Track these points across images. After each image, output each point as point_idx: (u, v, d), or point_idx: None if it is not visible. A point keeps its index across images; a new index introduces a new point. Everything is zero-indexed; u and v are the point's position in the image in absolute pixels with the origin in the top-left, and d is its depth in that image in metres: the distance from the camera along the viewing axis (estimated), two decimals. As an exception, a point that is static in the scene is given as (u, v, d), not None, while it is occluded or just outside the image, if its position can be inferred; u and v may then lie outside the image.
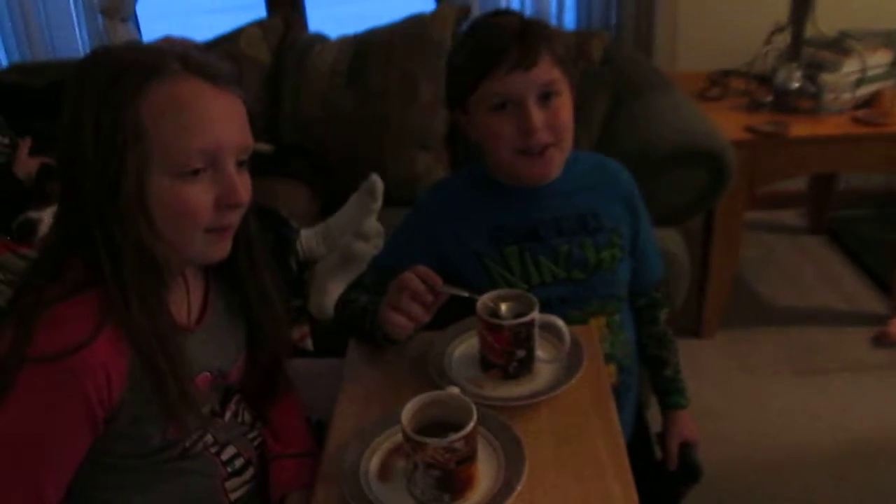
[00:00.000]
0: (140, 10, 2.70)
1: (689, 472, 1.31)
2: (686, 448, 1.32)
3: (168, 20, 2.91)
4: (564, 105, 1.12)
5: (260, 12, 2.59)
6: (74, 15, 2.64)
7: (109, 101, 0.79)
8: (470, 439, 0.83)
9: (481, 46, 1.10)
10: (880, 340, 2.27)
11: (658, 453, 1.35)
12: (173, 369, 0.83)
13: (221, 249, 0.90)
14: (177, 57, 0.83)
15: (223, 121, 0.85)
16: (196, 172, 0.83)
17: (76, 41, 2.67)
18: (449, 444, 0.81)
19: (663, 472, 1.33)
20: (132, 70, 0.81)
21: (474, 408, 0.84)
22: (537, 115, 1.09)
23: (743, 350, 2.29)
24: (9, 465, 0.80)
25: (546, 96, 1.10)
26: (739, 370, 2.21)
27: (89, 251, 0.81)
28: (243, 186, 0.87)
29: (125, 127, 0.79)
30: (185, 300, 0.94)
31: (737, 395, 2.10)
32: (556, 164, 1.14)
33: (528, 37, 1.08)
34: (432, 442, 0.81)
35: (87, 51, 2.64)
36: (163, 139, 0.81)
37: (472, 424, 0.82)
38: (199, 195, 0.84)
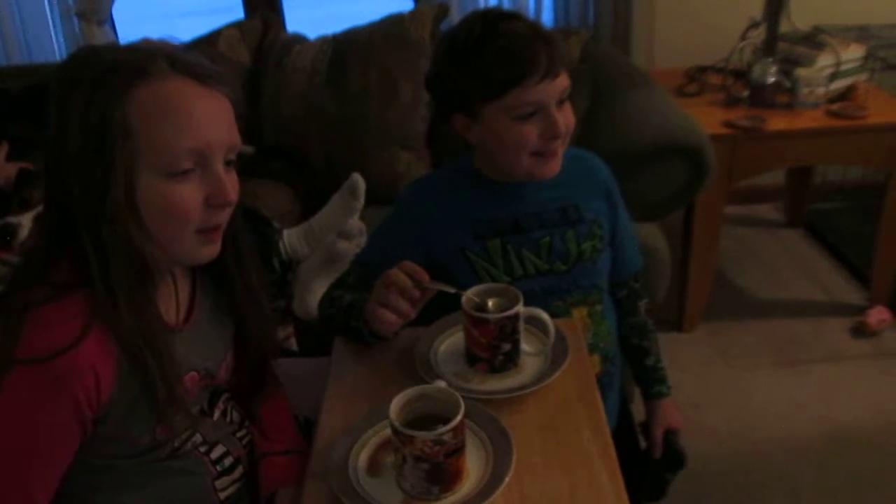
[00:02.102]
0: (116, 13, 2.67)
1: (673, 459, 1.33)
2: (670, 435, 1.34)
3: (145, 23, 2.89)
4: (570, 106, 1.14)
5: (237, 15, 2.58)
6: (50, 18, 2.61)
7: (97, 102, 0.79)
8: (458, 432, 0.83)
9: (509, 55, 1.07)
10: (859, 331, 2.30)
11: (643, 442, 1.37)
12: (162, 369, 0.83)
13: (211, 250, 0.89)
14: (164, 56, 0.83)
15: (211, 120, 0.84)
16: (185, 172, 0.83)
17: (52, 45, 2.64)
18: (437, 437, 0.82)
19: (648, 461, 1.34)
20: (120, 70, 0.80)
21: (462, 400, 0.85)
22: (561, 121, 1.10)
23: (724, 342, 2.31)
24: None
25: (561, 101, 1.12)
26: (721, 362, 2.24)
27: (76, 252, 0.81)
28: (232, 185, 0.87)
29: (113, 127, 0.79)
30: (173, 299, 0.94)
31: (719, 387, 2.13)
32: (561, 160, 1.16)
33: (551, 45, 1.08)
34: (420, 435, 0.82)
35: (64, 55, 2.62)
36: (152, 139, 0.80)
37: (459, 417, 0.83)
38: (189, 195, 0.83)
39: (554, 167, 1.15)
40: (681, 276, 2.26)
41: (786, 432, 1.96)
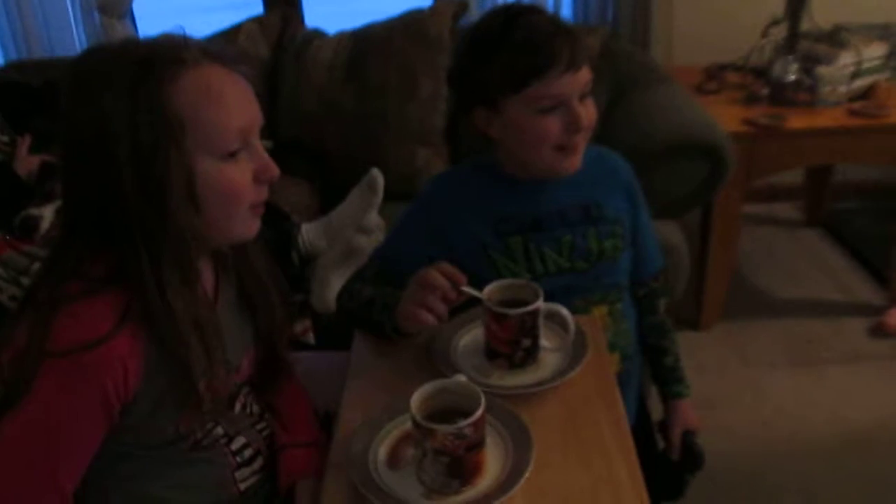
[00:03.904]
0: (136, 8, 2.69)
1: (692, 460, 1.33)
2: (688, 436, 1.33)
3: (164, 18, 2.91)
4: (592, 101, 1.14)
5: (256, 10, 2.59)
6: (71, 13, 2.63)
7: (142, 99, 0.79)
8: (478, 426, 0.84)
9: (531, 48, 1.07)
10: (877, 331, 2.29)
11: (660, 442, 1.37)
12: (209, 354, 0.85)
13: (256, 225, 0.92)
14: (194, 46, 0.84)
15: (246, 101, 0.87)
16: (234, 154, 0.85)
17: (73, 39, 2.66)
18: (458, 431, 0.82)
19: (666, 461, 1.34)
20: (157, 63, 0.81)
21: (482, 394, 0.85)
22: (583, 114, 1.10)
23: (741, 342, 2.30)
24: (26, 457, 0.80)
25: (583, 95, 1.11)
26: (738, 362, 2.23)
27: (119, 248, 0.82)
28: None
29: (165, 121, 0.80)
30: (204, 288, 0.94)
31: (736, 387, 2.12)
32: (582, 155, 1.16)
33: (573, 38, 1.08)
34: (441, 428, 0.82)
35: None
36: (204, 125, 0.82)
37: (480, 411, 0.83)
38: (242, 174, 0.86)
39: (575, 162, 1.15)
40: (698, 274, 2.25)
41: (802, 432, 1.95)
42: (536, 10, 1.13)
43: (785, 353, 2.25)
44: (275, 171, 0.89)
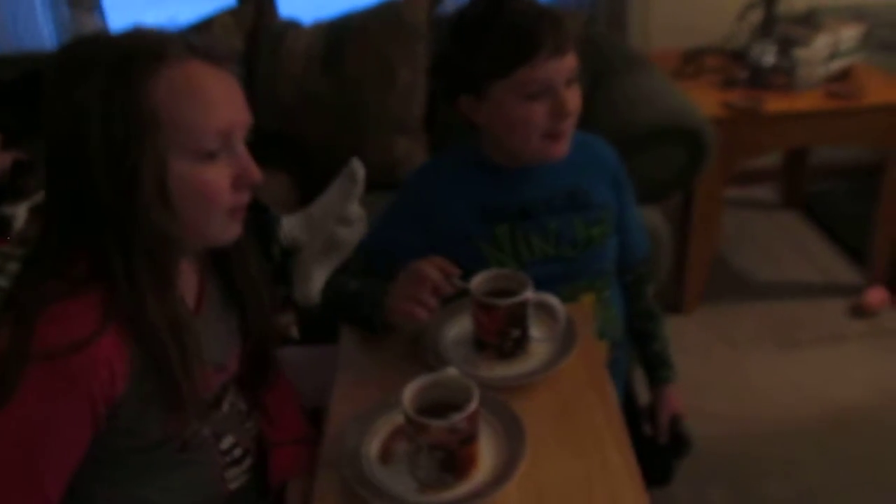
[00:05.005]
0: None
1: (679, 444, 1.33)
2: (675, 421, 1.33)
3: (134, 10, 2.85)
4: (577, 87, 1.13)
5: (228, 2, 2.53)
6: (39, 6, 2.57)
7: (118, 92, 0.77)
8: (472, 419, 0.83)
9: (516, 32, 1.06)
10: (857, 311, 2.31)
11: (647, 428, 1.37)
12: (185, 360, 0.82)
13: (236, 229, 0.90)
14: (179, 40, 0.82)
15: (231, 100, 0.84)
16: (212, 155, 0.82)
17: (41, 33, 2.61)
18: (452, 425, 0.81)
19: (654, 447, 1.34)
20: (137, 57, 0.79)
21: (475, 387, 0.84)
22: (570, 100, 1.10)
23: (724, 324, 2.31)
24: (11, 464, 0.78)
25: (569, 81, 1.11)
26: (722, 344, 2.24)
27: (95, 245, 0.80)
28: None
29: (140, 116, 0.77)
30: (186, 290, 0.92)
31: (720, 369, 2.13)
32: (569, 141, 1.15)
33: (559, 23, 1.07)
34: (435, 423, 0.81)
35: (54, 42, 2.59)
36: (180, 123, 0.79)
37: (474, 404, 0.82)
38: (219, 176, 0.83)
39: (563, 148, 1.14)
40: (680, 258, 2.25)
41: (787, 413, 1.97)
42: None
43: (767, 335, 2.26)
44: (256, 175, 0.86)
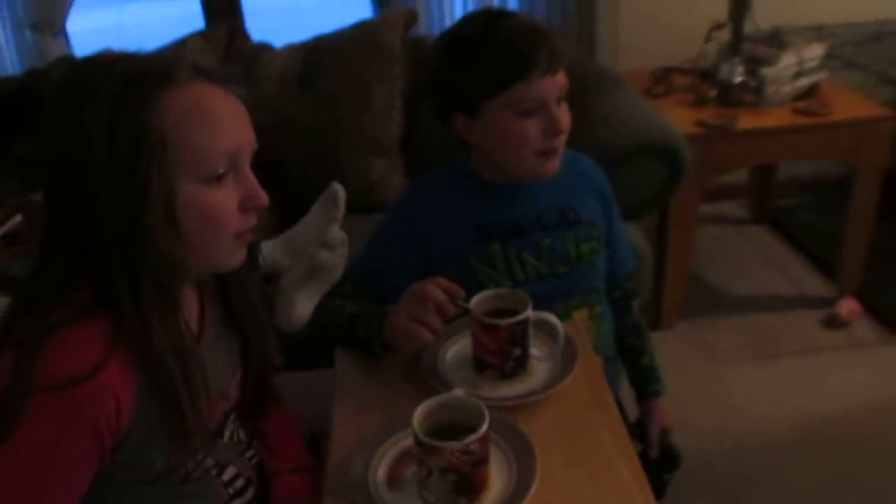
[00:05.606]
0: (69, 24, 2.59)
1: (670, 459, 1.33)
2: (664, 434, 1.34)
3: (99, 34, 2.81)
4: (567, 105, 1.14)
5: (194, 25, 2.50)
6: (1, 30, 2.52)
7: (125, 113, 0.75)
8: (485, 440, 0.82)
9: (511, 50, 1.07)
10: (830, 322, 2.35)
11: (636, 444, 1.36)
12: (190, 388, 0.80)
13: (241, 255, 0.88)
14: (185, 62, 0.81)
15: (238, 122, 0.83)
16: (220, 178, 0.80)
17: (3, 58, 2.55)
18: (465, 447, 0.80)
19: (645, 462, 1.34)
20: (146, 78, 0.77)
21: (485, 408, 0.83)
22: (562, 118, 1.11)
23: (701, 339, 2.33)
24: (16, 495, 0.75)
25: (560, 99, 1.12)
26: (701, 359, 2.26)
27: (98, 271, 0.77)
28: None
29: (148, 139, 0.75)
30: (186, 316, 0.90)
31: (701, 384, 2.14)
32: (561, 158, 1.16)
33: (551, 41, 1.08)
34: (448, 445, 0.80)
35: (17, 67, 2.53)
36: (188, 145, 0.77)
37: (486, 425, 0.81)
38: (226, 199, 0.81)
39: (556, 164, 1.15)
40: (657, 274, 2.27)
41: (770, 425, 1.99)
42: (514, 14, 1.13)
43: (746, 348, 2.29)
44: (263, 198, 0.84)
